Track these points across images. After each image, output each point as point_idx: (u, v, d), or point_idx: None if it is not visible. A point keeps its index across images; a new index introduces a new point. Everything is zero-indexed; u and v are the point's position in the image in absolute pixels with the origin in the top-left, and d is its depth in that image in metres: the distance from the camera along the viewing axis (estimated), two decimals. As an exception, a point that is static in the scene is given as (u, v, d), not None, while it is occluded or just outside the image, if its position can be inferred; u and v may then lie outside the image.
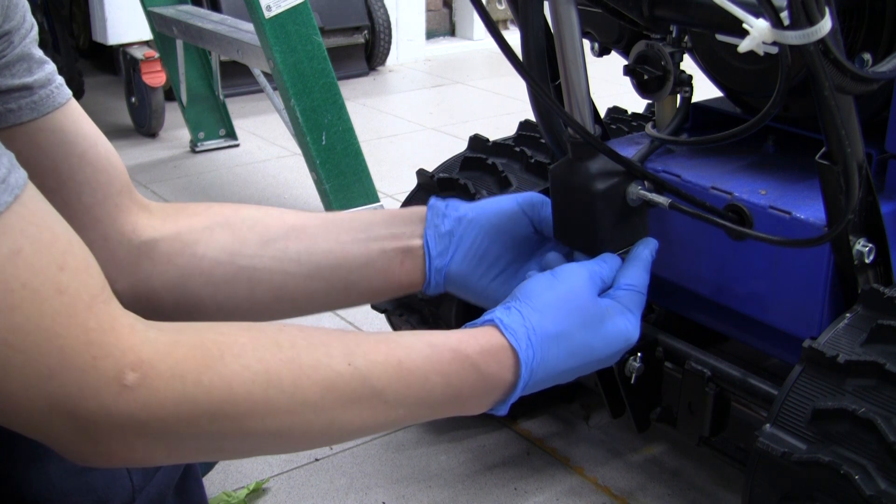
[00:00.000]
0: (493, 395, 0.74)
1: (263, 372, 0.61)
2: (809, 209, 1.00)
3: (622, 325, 0.80)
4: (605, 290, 0.83)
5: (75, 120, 0.76)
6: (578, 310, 0.78)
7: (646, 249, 0.88)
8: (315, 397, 0.64)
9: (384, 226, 0.88)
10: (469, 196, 1.25)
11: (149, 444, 0.58)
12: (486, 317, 0.76)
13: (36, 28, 0.73)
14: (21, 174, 0.55)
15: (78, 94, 3.16)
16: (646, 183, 0.89)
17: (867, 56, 1.02)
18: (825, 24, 0.72)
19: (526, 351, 0.74)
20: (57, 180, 0.75)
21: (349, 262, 0.86)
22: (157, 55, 2.80)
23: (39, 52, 0.74)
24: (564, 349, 0.76)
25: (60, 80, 0.75)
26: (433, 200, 0.89)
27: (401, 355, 0.68)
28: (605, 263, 0.84)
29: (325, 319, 1.81)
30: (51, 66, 0.74)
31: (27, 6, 0.71)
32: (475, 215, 0.89)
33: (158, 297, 0.82)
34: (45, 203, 0.57)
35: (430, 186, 1.33)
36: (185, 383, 0.58)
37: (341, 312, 1.83)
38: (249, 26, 2.22)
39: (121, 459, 0.59)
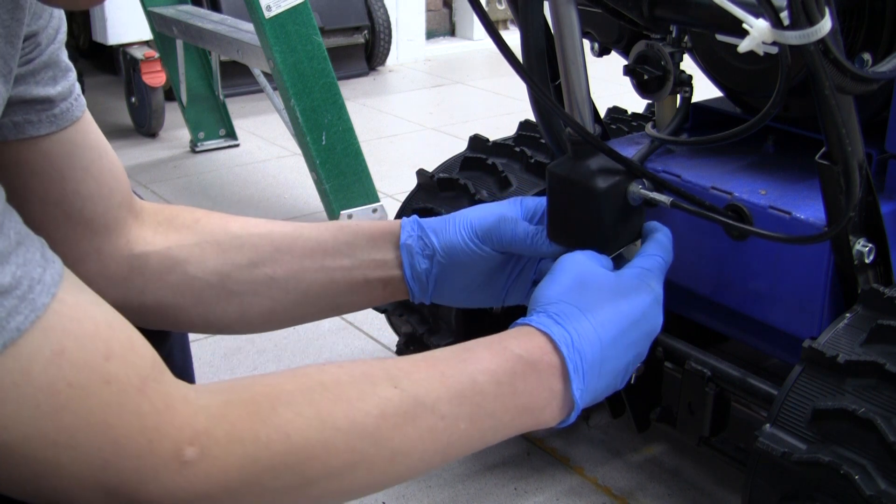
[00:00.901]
0: (551, 385, 0.71)
1: (316, 414, 0.61)
2: (809, 209, 1.00)
3: (640, 283, 0.78)
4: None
5: (87, 131, 0.76)
6: (591, 285, 0.77)
7: (659, 233, 0.86)
8: (371, 428, 0.63)
9: (367, 250, 0.87)
10: (469, 196, 1.25)
11: None
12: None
13: (65, 27, 0.72)
14: (56, 267, 0.54)
15: (78, 95, 3.16)
16: (646, 182, 0.89)
17: (867, 56, 1.02)
18: (825, 24, 0.72)
19: (559, 334, 0.72)
20: (61, 192, 0.75)
21: (335, 290, 0.87)
22: (157, 55, 2.80)
23: (65, 57, 0.73)
24: (597, 321, 0.74)
25: (79, 89, 0.75)
26: (403, 238, 0.88)
27: (442, 367, 0.67)
28: (596, 252, 0.83)
29: (325, 319, 1.81)
30: (73, 74, 0.73)
31: None
32: (444, 255, 0.88)
33: (150, 313, 0.81)
34: (83, 290, 0.56)
35: (430, 186, 1.33)
36: (244, 444, 0.58)
37: (341, 312, 1.83)
38: (249, 26, 2.22)
39: None
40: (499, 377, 0.69)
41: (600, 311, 0.75)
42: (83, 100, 0.75)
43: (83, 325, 0.54)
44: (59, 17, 0.70)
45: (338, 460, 0.61)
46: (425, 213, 1.27)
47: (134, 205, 0.83)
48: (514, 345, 0.71)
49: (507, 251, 0.88)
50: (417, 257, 0.87)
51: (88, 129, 0.76)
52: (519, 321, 0.74)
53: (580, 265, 0.79)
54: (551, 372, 0.71)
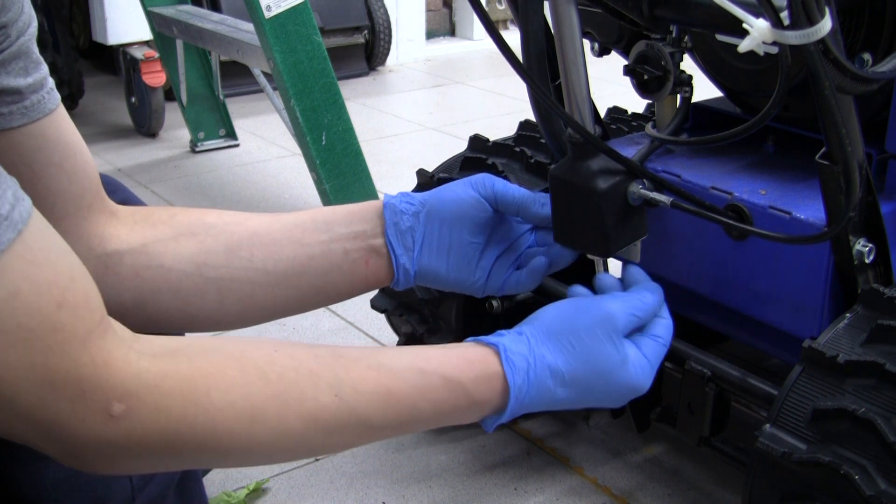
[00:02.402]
0: (481, 414, 0.75)
1: (249, 409, 0.63)
2: (809, 209, 1.00)
3: (635, 376, 0.79)
4: (637, 330, 0.81)
5: (59, 126, 0.75)
6: (594, 351, 0.77)
7: (665, 321, 0.85)
8: (299, 430, 0.65)
9: (344, 224, 0.87)
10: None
11: (132, 463, 0.61)
12: (494, 337, 0.76)
13: (35, 22, 0.72)
14: (25, 206, 0.55)
15: (78, 94, 3.16)
16: (646, 182, 0.89)
17: (867, 56, 1.02)
18: (825, 24, 0.72)
19: (520, 387, 0.74)
20: (31, 187, 0.73)
21: (314, 268, 0.86)
22: (157, 55, 2.80)
23: (37, 52, 0.73)
24: (565, 387, 0.76)
25: (51, 83, 0.74)
26: (387, 198, 0.88)
27: (389, 384, 0.69)
28: (646, 296, 0.82)
29: (325, 319, 1.81)
30: (45, 68, 0.73)
31: None
32: (432, 207, 0.88)
33: (128, 312, 0.81)
34: (50, 234, 0.58)
35: (429, 186, 1.33)
36: (170, 418, 0.60)
37: (341, 312, 1.83)
38: (249, 26, 2.22)
39: (106, 471, 0.62)
40: (439, 406, 0.72)
41: (576, 381, 0.76)
42: (57, 94, 0.75)
43: (42, 271, 0.55)
44: (29, 12, 0.70)
45: (258, 450, 0.64)
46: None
47: (107, 205, 0.82)
48: (470, 383, 0.72)
49: (494, 200, 0.89)
50: (402, 216, 0.87)
51: (62, 124, 0.76)
52: (501, 343, 0.75)
53: (603, 318, 0.78)
54: (489, 408, 0.75)
